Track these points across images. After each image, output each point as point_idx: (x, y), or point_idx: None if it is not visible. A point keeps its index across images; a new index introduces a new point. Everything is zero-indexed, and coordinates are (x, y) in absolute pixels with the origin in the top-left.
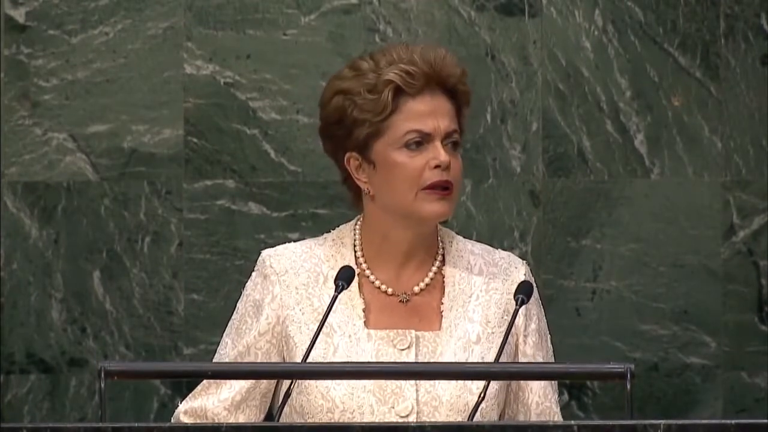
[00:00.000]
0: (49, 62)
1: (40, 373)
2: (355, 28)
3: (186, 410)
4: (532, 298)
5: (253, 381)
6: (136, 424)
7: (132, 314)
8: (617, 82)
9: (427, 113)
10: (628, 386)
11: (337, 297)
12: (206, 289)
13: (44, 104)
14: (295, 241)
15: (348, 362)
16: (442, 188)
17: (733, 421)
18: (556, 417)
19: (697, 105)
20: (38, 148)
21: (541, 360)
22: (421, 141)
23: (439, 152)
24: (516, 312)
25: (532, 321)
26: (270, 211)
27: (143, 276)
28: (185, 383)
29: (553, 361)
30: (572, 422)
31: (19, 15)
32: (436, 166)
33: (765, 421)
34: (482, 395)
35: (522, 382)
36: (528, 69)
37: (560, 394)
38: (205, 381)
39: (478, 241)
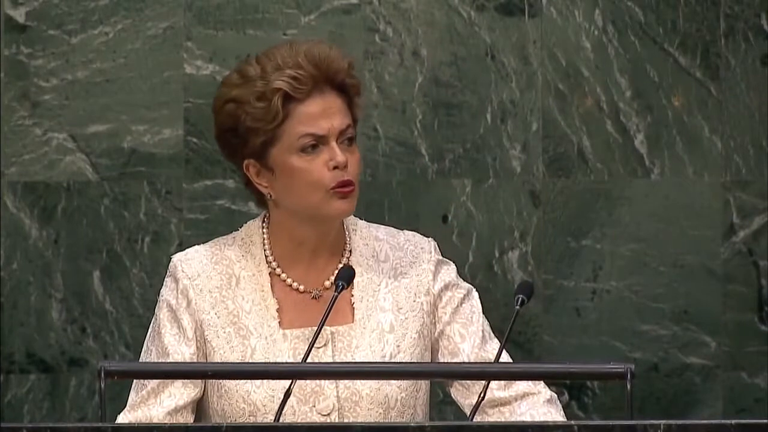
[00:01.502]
0: (49, 62)
1: (40, 373)
2: (355, 28)
3: (130, 422)
4: (452, 276)
5: (198, 390)
6: (136, 424)
7: (132, 314)
8: (617, 82)
9: (318, 115)
10: (628, 386)
11: (337, 297)
12: None
13: (44, 104)
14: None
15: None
16: (346, 185)
17: (733, 421)
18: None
19: (697, 105)
20: (38, 148)
21: (467, 332)
22: (316, 144)
23: (335, 153)
24: (517, 313)
25: (455, 291)
26: None
27: (143, 276)
28: None
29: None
30: (572, 422)
31: (19, 15)
32: (335, 168)
33: (765, 421)
34: (482, 395)
35: (451, 348)
36: (528, 69)
37: (560, 394)
38: (143, 392)
39: (477, 241)
